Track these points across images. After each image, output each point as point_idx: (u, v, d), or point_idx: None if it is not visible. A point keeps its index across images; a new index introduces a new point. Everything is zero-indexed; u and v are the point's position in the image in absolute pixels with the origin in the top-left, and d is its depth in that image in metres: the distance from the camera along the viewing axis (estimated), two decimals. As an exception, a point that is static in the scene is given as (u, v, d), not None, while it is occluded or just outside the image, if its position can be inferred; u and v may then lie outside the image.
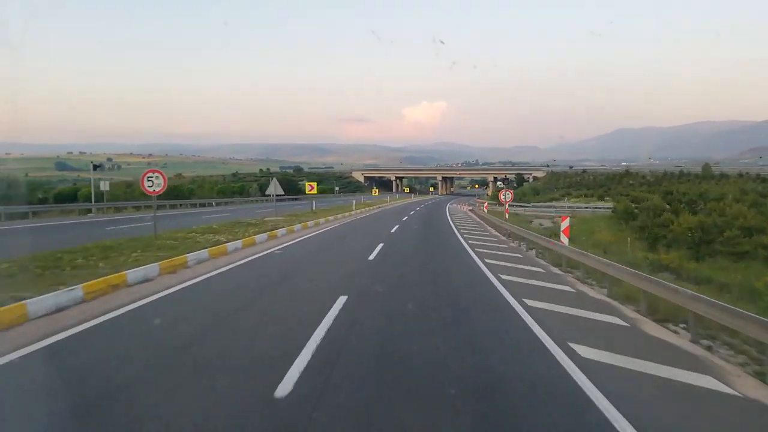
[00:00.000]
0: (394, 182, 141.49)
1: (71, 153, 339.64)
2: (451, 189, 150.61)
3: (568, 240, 14.66)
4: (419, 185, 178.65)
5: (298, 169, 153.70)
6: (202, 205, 49.69)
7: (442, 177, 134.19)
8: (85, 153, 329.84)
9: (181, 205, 46.05)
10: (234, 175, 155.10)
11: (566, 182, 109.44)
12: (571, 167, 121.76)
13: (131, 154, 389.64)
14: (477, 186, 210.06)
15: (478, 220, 39.72)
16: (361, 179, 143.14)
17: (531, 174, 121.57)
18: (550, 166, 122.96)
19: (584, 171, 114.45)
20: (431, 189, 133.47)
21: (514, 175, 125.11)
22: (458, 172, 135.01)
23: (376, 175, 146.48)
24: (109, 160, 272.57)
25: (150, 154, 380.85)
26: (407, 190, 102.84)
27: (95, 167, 48.38)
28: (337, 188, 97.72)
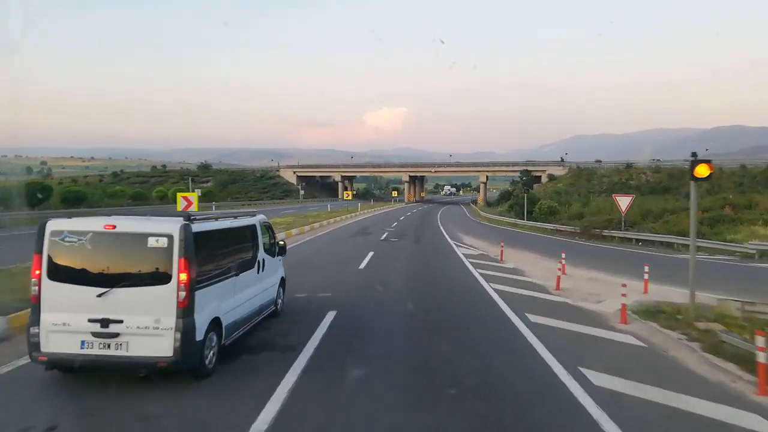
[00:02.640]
0: (340, 184, 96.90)
1: (5, 156, 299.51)
2: (422, 194, 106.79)
3: None
4: (379, 190, 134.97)
5: (204, 167, 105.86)
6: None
7: (410, 176, 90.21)
8: (20, 156, 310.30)
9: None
10: (116, 175, 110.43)
11: (608, 183, 69.23)
12: (598, 161, 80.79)
13: (71, 157, 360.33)
14: (455, 189, 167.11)
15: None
16: (294, 180, 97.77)
17: (544, 171, 79.57)
18: (565, 161, 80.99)
19: (629, 166, 73.38)
20: (394, 194, 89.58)
21: (519, 174, 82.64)
22: (434, 170, 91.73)
23: (316, 173, 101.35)
24: (43, 163, 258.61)
25: (92, 158, 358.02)
26: (348, 195, 56.37)
27: None
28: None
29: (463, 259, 18.57)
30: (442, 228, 34.21)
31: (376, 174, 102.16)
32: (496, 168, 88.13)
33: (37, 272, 5.69)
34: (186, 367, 5.72)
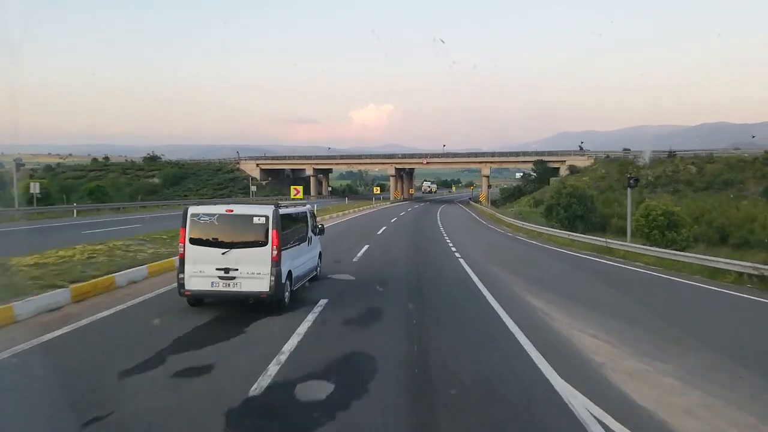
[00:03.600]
0: (313, 179, 79.85)
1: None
2: (410, 191, 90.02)
3: None
4: (364, 186, 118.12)
5: (151, 159, 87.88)
6: None
7: (397, 170, 73.44)
8: (3, 154, 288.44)
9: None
10: (50, 169, 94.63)
11: (651, 176, 53.96)
12: (626, 150, 64.94)
13: (49, 154, 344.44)
14: (435, 186, 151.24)
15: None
16: (257, 174, 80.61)
17: (563, 162, 63.49)
18: (585, 150, 65.05)
19: (672, 154, 58.02)
20: (376, 190, 72.98)
21: (532, 166, 66.53)
22: (425, 161, 75.19)
23: (285, 166, 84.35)
24: (17, 160, 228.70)
25: (70, 155, 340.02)
26: (299, 193, 33.74)
27: None
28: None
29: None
30: (469, 270, 14.99)
31: (355, 166, 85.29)
32: (502, 159, 71.94)
33: (182, 240, 8.76)
34: (276, 298, 8.74)
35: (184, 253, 8.69)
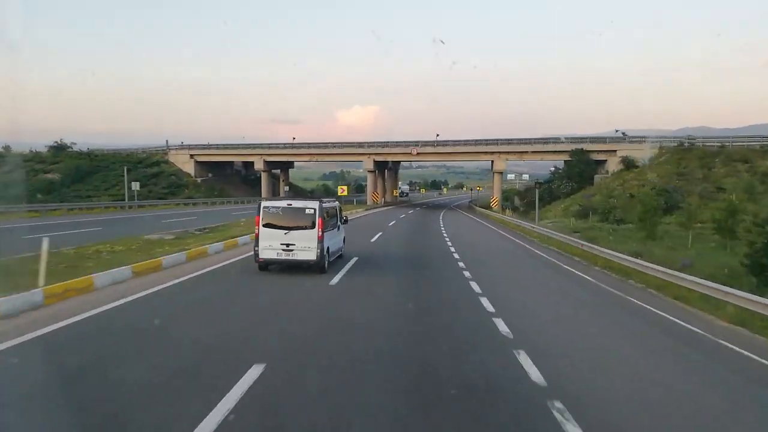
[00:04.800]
0: (265, 174, 58.76)
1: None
2: (394, 192, 69.14)
3: None
4: (351, 183, 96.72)
5: (59, 148, 65.15)
6: None
7: (377, 163, 52.42)
8: None
9: None
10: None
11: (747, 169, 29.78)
12: (690, 139, 44.22)
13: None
14: (408, 189, 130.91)
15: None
16: (190, 169, 59.00)
17: (613, 151, 42.49)
18: (627, 135, 43.90)
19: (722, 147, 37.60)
20: (341, 190, 51.43)
21: (566, 159, 45.58)
22: (415, 152, 54.47)
23: (230, 157, 63.37)
24: None
25: (30, 150, 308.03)
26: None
27: None
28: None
29: None
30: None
31: (320, 157, 63.89)
32: (524, 149, 51.45)
33: (257, 224, 12.75)
34: (319, 266, 12.75)
35: (258, 233, 12.79)
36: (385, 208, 55.21)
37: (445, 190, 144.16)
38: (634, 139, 48.57)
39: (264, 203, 13.09)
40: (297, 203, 13.18)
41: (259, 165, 63.08)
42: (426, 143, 56.53)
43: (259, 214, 12.71)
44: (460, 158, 58.77)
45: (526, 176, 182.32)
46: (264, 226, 12.64)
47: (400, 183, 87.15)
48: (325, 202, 13.65)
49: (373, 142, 59.19)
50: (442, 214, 48.00)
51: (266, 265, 13.03)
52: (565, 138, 52.35)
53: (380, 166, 63.32)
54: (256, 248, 12.71)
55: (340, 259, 15.24)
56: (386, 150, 58.42)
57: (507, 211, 47.77)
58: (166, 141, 68.10)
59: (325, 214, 12.96)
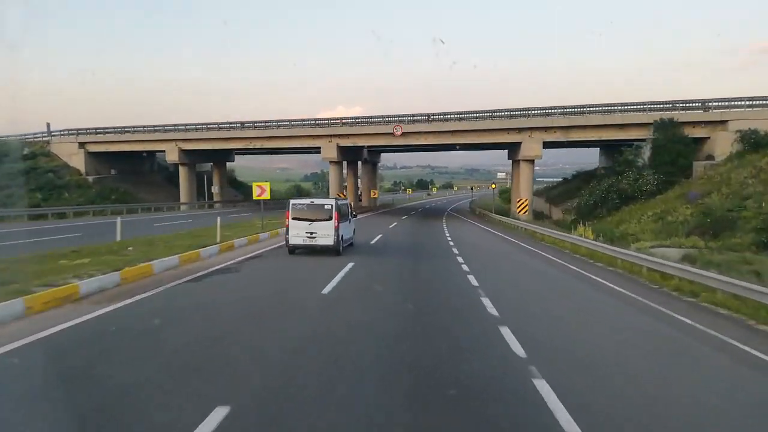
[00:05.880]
0: (182, 168, 38.75)
1: None
2: (373, 193, 49.49)
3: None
4: (308, 179, 77.48)
5: None
6: None
7: (341, 150, 32.12)
8: None
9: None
10: None
11: None
12: None
13: None
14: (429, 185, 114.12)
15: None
16: (80, 162, 38.60)
17: (722, 124, 21.90)
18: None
19: None
20: (257, 193, 21.91)
21: (637, 139, 24.66)
22: (400, 132, 34.84)
23: (134, 146, 42.19)
24: None
25: None
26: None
27: None
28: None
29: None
30: None
31: (258, 142, 44.15)
32: (568, 122, 32.73)
33: (287, 217, 15.71)
34: (336, 249, 15.50)
35: (288, 224, 15.67)
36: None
37: (434, 189, 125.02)
38: (757, 101, 30.12)
39: (292, 201, 16.51)
40: (318, 201, 16.60)
41: (172, 156, 43.45)
42: (416, 119, 37.61)
43: (288, 210, 15.94)
44: (470, 139, 39.11)
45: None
46: (293, 219, 15.82)
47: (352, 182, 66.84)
48: (339, 201, 17.20)
49: (337, 120, 39.96)
50: (454, 227, 29.46)
51: (294, 249, 16.01)
52: (645, 103, 33.47)
53: (350, 156, 44.28)
54: (287, 236, 15.91)
55: (351, 246, 17.98)
56: (356, 130, 39.29)
57: (529, 217, 29.03)
58: (47, 125, 47.85)
59: (339, 210, 16.04)
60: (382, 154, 61.00)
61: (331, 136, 39.44)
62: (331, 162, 40.56)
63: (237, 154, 54.05)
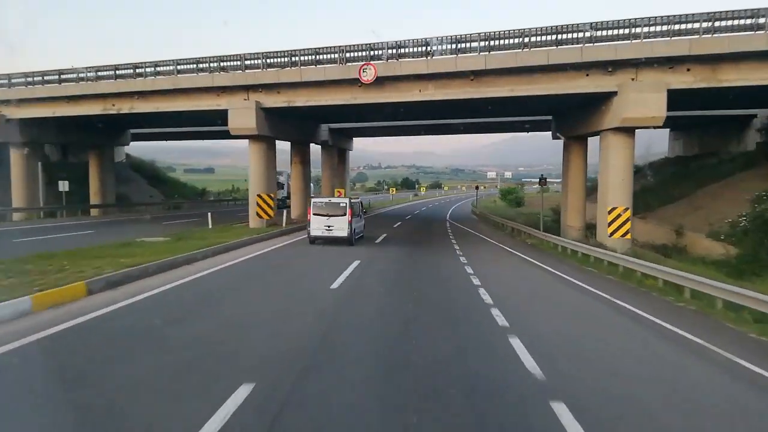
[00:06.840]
0: (17, 157, 20.61)
1: None
2: (338, 191, 31.24)
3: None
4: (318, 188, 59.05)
5: None
6: None
7: (266, 113, 13.65)
8: None
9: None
10: None
11: None
12: None
13: None
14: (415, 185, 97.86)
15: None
16: None
17: None
18: None
19: None
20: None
21: None
22: (369, 80, 16.96)
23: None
24: None
25: None
26: None
27: None
28: None
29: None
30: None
31: (125, 102, 26.83)
32: (705, 51, 16.17)
33: (309, 213, 18.85)
34: (349, 240, 18.41)
35: (310, 219, 18.40)
36: (289, 240, 19.96)
37: (422, 189, 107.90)
38: None
39: (314, 199, 19.10)
40: (334, 199, 19.61)
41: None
42: (402, 51, 20.35)
43: (310, 206, 18.68)
44: (513, 88, 19.59)
45: (508, 174, 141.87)
46: (314, 214, 18.41)
47: (283, 173, 39.43)
48: (352, 199, 20.26)
49: (255, 57, 22.54)
50: (486, 297, 12.91)
51: (314, 240, 18.64)
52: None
53: (294, 132, 27.10)
54: (309, 228, 18.61)
55: (362, 239, 20.87)
56: (291, 76, 21.83)
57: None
58: None
59: (352, 207, 18.65)
60: (354, 138, 43.70)
61: (247, 88, 21.94)
62: (250, 138, 22.98)
63: (135, 135, 36.27)
